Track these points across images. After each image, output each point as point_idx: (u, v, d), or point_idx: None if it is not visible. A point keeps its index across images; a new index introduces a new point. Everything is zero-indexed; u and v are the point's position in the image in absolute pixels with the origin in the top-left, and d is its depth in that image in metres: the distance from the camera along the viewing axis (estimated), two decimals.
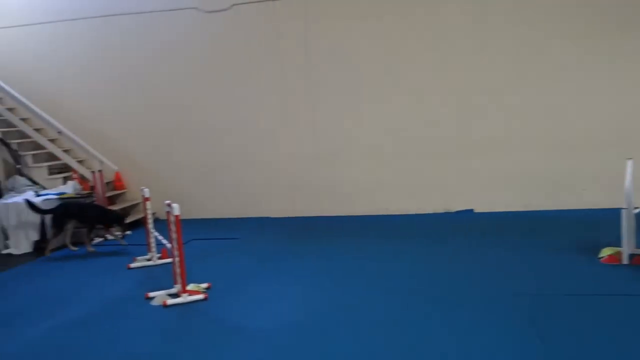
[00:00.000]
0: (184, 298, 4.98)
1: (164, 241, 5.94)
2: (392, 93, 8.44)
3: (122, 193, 9.30)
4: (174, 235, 5.01)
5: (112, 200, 8.86)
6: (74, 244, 7.39)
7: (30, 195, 7.89)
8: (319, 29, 8.47)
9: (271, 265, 6.14)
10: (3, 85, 8.71)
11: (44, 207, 7.35)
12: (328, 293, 5.04)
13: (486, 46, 8.04)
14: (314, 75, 8.59)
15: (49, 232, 7.29)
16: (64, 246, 7.56)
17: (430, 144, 8.40)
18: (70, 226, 7.24)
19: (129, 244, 7.31)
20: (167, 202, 5.06)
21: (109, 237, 7.86)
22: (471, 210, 8.39)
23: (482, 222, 7.70)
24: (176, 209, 4.87)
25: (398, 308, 4.54)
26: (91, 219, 7.22)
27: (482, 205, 8.34)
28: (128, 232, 7.98)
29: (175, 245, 5.00)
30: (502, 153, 8.18)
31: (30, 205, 7.22)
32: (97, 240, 7.82)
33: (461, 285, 5.04)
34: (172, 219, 4.97)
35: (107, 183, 8.89)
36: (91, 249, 7.26)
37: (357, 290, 5.06)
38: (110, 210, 7.54)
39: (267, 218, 8.89)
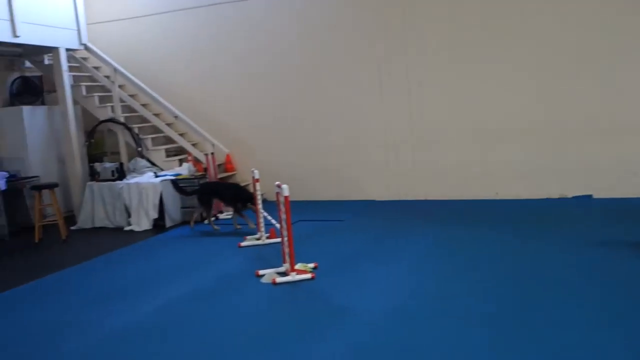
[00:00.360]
0: (292, 277, 5.10)
1: (273, 221, 6.12)
2: (499, 69, 8.09)
3: (232, 175, 9.67)
4: (283, 216, 5.12)
5: (223, 181, 9.23)
6: (188, 222, 7.79)
7: (150, 176, 8.41)
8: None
9: (377, 247, 6.13)
10: (126, 73, 9.31)
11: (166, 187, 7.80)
12: (435, 278, 4.95)
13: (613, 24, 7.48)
14: (412, 55, 8.43)
15: (197, 209, 7.67)
16: (182, 223, 8.02)
17: (542, 125, 7.97)
18: (211, 204, 7.55)
19: (240, 225, 7.50)
20: (277, 183, 5.19)
21: (221, 216, 8.23)
22: (589, 196, 7.89)
23: (602, 209, 7.22)
24: (285, 189, 4.97)
25: (510, 301, 4.35)
26: (229, 198, 7.48)
27: (601, 190, 7.82)
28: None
29: (285, 226, 5.11)
30: (624, 136, 7.60)
31: (176, 186, 7.75)
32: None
33: (583, 279, 4.75)
34: (281, 199, 5.08)
35: (219, 165, 9.27)
36: (216, 227, 7.58)
37: (467, 278, 4.91)
38: (245, 189, 7.78)
39: (372, 201, 8.88)
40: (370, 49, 8.69)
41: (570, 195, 7.99)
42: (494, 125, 8.21)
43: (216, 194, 7.56)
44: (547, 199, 8.05)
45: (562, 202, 7.84)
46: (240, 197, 7.33)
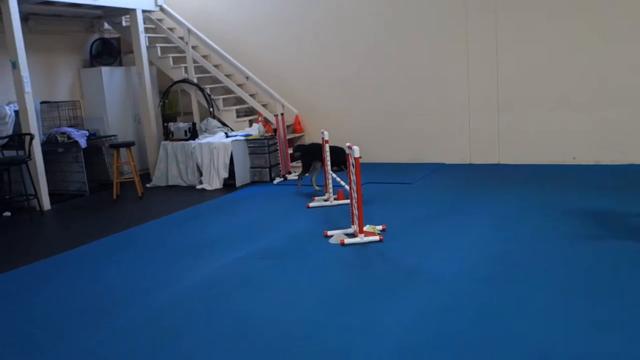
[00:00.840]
0: (361, 238, 5.11)
1: (342, 183, 6.12)
2: (585, 34, 7.66)
3: (300, 136, 9.72)
4: (353, 177, 5.11)
5: (292, 142, 9.30)
6: (257, 182, 7.92)
7: (221, 136, 8.57)
8: None
9: (445, 210, 6.04)
10: (199, 34, 9.44)
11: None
12: (508, 243, 4.84)
13: None
14: (501, 12, 8.08)
15: (303, 170, 7.56)
16: (252, 183, 8.20)
17: (629, 89, 7.52)
18: (317, 165, 7.40)
19: (319, 186, 7.41)
20: (348, 144, 5.16)
21: (289, 177, 8.32)
22: None
23: None
24: (356, 151, 4.95)
25: (584, 271, 4.21)
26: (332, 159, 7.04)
27: None
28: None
29: (354, 187, 5.10)
30: None
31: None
32: (278, 179, 8.30)
33: None
34: (351, 161, 5.06)
35: (288, 126, 9.32)
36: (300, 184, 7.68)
37: (540, 245, 4.77)
38: (344, 150, 7.51)
39: (440, 164, 8.72)
40: (454, 5, 8.41)
41: None
42: (581, 92, 7.83)
43: (317, 155, 7.27)
44: (628, 164, 7.65)
45: None
46: (341, 157, 6.95)
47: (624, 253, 4.41)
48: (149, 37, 9.42)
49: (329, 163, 6.53)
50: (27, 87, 7.24)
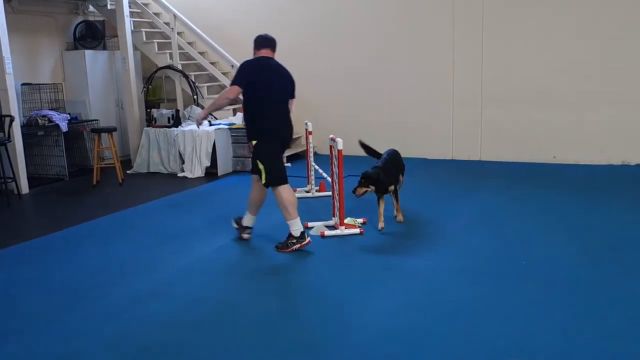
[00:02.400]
0: (341, 231, 5.13)
1: (325, 175, 6.13)
2: (573, 32, 7.73)
3: None
4: (335, 170, 5.12)
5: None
6: (239, 171, 7.90)
7: (204, 124, 8.50)
8: None
9: (426, 205, 6.08)
10: (185, 20, 9.34)
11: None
12: (486, 239, 4.89)
13: None
14: (476, 11, 8.13)
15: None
16: (234, 172, 8.16)
17: (610, 88, 7.62)
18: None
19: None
20: (331, 136, 5.17)
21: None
22: None
23: None
24: (339, 143, 4.96)
25: (563, 267, 4.28)
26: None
27: None
28: (288, 164, 8.32)
29: (336, 179, 5.11)
30: None
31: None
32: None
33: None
34: (334, 153, 5.07)
35: None
36: None
37: (518, 242, 4.84)
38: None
39: (422, 159, 8.76)
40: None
41: (633, 163, 7.68)
42: (563, 88, 7.91)
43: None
44: (607, 165, 7.76)
45: (623, 169, 7.55)
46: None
47: (602, 250, 4.49)
48: (134, 22, 9.31)
49: (312, 154, 6.52)
50: (9, 68, 7.12)
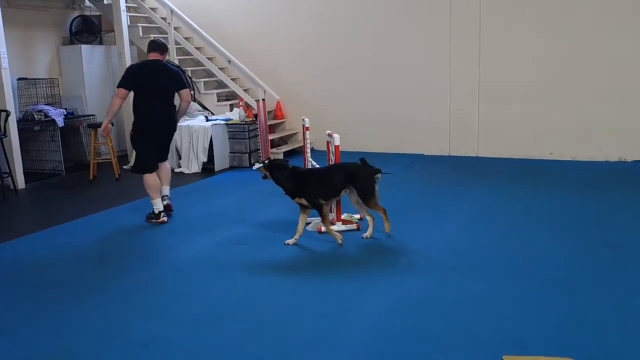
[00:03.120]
0: (338, 226, 5.13)
1: None
2: (571, 29, 7.73)
3: (281, 122, 9.69)
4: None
5: (272, 128, 9.27)
6: (236, 167, 7.88)
7: (201, 119, 8.50)
8: None
9: (423, 201, 6.09)
10: (182, 15, 9.32)
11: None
12: (484, 236, 4.90)
13: None
14: (473, 7, 8.12)
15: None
16: (231, 168, 8.15)
17: (607, 85, 7.63)
18: None
19: None
20: (328, 132, 5.16)
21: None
22: None
23: None
24: (337, 139, 4.95)
25: (559, 263, 4.29)
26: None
27: None
28: (285, 160, 8.31)
29: None
30: None
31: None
32: (257, 165, 8.27)
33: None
34: (332, 148, 5.07)
35: (269, 112, 9.28)
36: None
37: (515, 239, 4.85)
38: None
39: (420, 155, 8.76)
40: None
41: (629, 160, 7.70)
42: (560, 85, 7.91)
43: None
44: (604, 161, 7.77)
45: (620, 165, 7.56)
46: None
47: (598, 246, 4.50)
48: (130, 17, 9.28)
49: (309, 150, 6.51)
50: (4, 63, 7.10)
